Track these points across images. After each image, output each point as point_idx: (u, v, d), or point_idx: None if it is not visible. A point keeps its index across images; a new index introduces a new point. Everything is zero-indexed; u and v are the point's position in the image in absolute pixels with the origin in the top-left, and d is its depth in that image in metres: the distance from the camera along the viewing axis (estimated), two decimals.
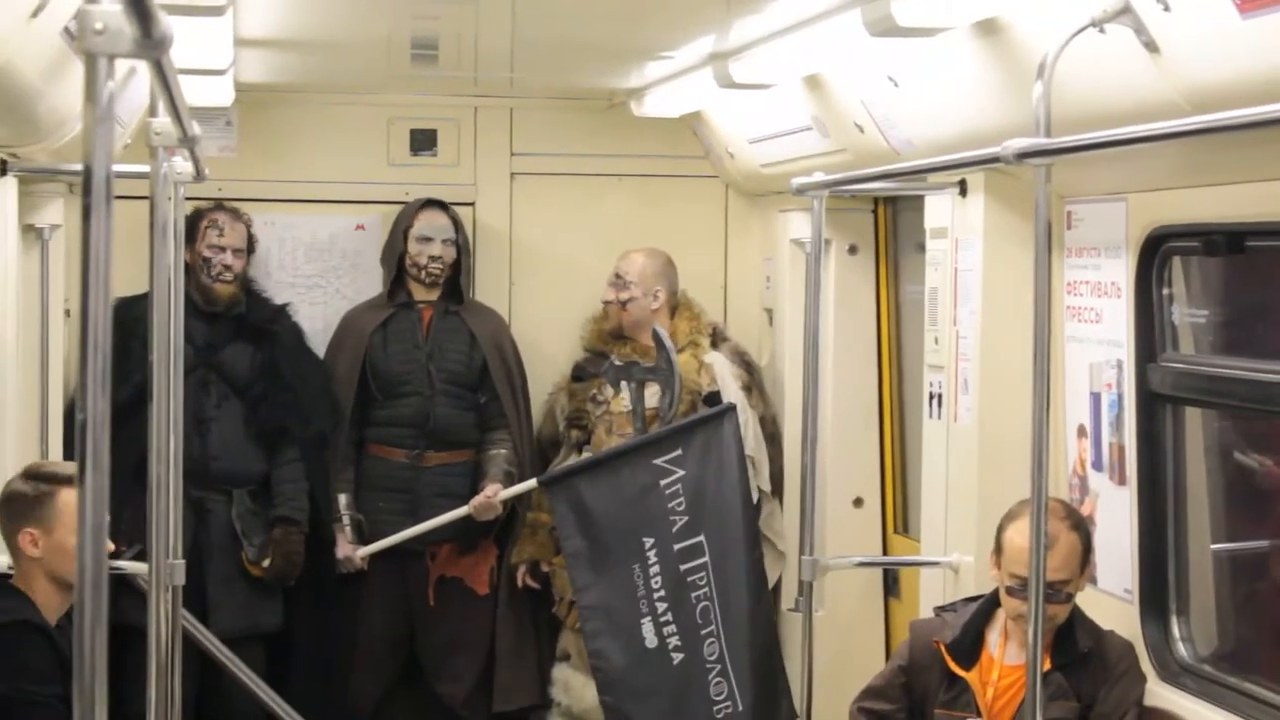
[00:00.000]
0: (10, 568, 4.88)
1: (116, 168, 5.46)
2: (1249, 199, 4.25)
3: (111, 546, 4.73)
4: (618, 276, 7.19)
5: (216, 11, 4.37)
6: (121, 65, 4.63)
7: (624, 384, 6.94)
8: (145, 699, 4.47)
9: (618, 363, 6.98)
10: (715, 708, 6.55)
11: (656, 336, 6.89)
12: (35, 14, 3.71)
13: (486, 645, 7.40)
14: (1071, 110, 3.99)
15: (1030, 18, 4.21)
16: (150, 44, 2.02)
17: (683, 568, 6.56)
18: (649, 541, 6.58)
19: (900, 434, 6.99)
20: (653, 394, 6.92)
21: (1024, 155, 3.71)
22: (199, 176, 4.94)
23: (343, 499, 7.22)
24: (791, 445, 6.95)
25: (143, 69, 5.40)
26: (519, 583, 7.28)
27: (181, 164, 4.82)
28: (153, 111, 4.14)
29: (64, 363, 6.64)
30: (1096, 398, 5.14)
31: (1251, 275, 4.82)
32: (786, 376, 7.10)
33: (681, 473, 6.55)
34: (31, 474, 4.88)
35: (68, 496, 4.74)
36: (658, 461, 6.61)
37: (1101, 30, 3.77)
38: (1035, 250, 3.81)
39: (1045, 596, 4.42)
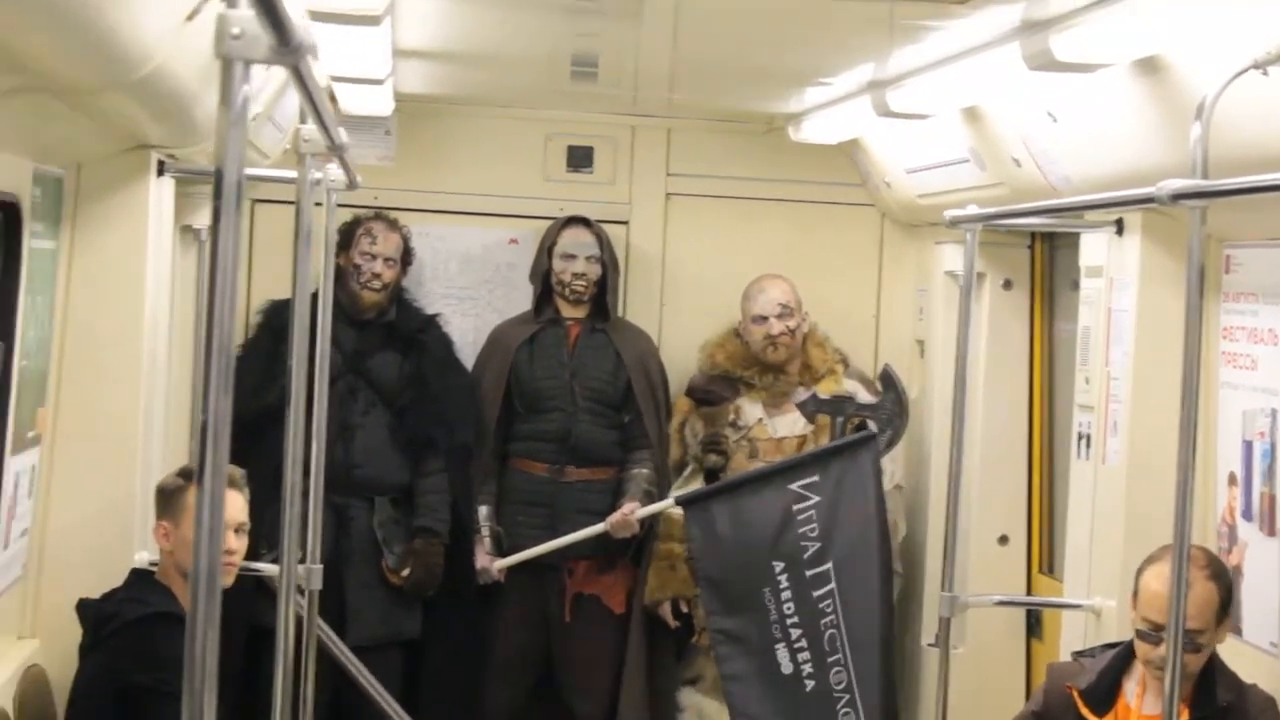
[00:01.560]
0: (153, 563, 4.97)
1: (264, 172, 5.57)
2: None
3: (233, 545, 4.84)
4: (783, 306, 7.12)
5: (373, 21, 4.40)
6: (279, 70, 4.69)
7: (835, 420, 6.89)
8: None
9: (821, 396, 6.94)
10: None
11: (887, 375, 6.87)
12: (191, 17, 3.76)
13: (620, 665, 7.39)
14: (1230, 152, 3.93)
15: (1191, 57, 4.16)
16: (287, 50, 2.03)
17: (814, 594, 6.53)
18: (779, 565, 6.56)
19: (1049, 472, 6.90)
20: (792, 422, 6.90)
21: (1179, 196, 3.65)
22: (351, 185, 4.98)
23: (483, 511, 7.25)
24: (938, 479, 6.87)
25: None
26: (668, 620, 7.25)
27: (335, 171, 4.85)
28: (303, 119, 4.17)
29: None
30: (1249, 446, 5.05)
31: None
32: (936, 409, 7.05)
33: (817, 499, 6.52)
34: (179, 471, 5.00)
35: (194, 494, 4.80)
36: (793, 486, 6.58)
37: (1264, 72, 3.71)
38: (1187, 293, 3.75)
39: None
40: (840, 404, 6.94)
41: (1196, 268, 3.73)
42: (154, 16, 3.66)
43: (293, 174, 4.22)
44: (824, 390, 7.01)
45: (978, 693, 6.63)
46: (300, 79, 2.59)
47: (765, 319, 7.12)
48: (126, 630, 4.78)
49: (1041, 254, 6.88)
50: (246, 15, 1.98)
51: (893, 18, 4.73)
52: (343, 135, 4.00)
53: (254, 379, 6.81)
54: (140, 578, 5.01)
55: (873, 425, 6.85)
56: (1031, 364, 6.94)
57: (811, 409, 6.96)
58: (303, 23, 4.21)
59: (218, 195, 2.02)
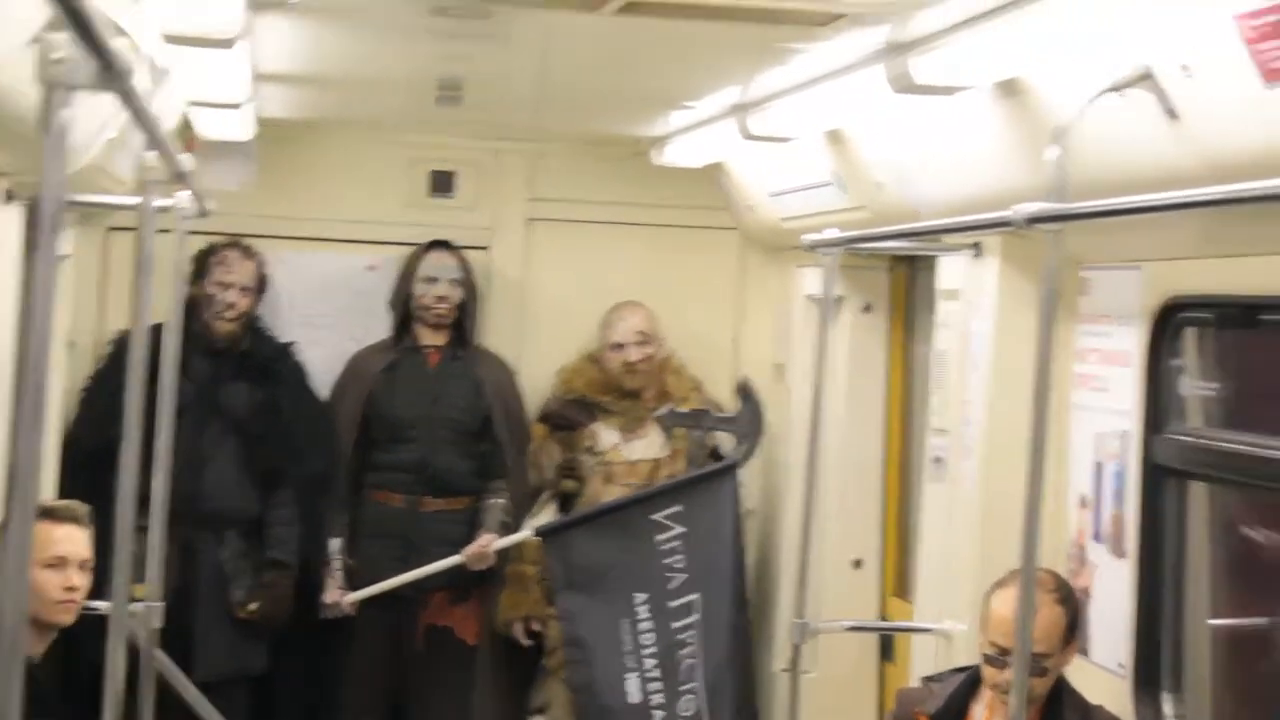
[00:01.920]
0: None
1: (104, 199, 5.39)
2: (1266, 272, 4.21)
3: (76, 583, 4.70)
4: (641, 334, 7.15)
5: (226, 44, 4.33)
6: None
7: (691, 434, 6.89)
8: None
9: (679, 410, 6.94)
10: None
11: (745, 388, 6.89)
12: (35, 41, 3.68)
13: (471, 696, 7.34)
14: (1088, 175, 3.97)
15: (1051, 80, 4.21)
16: (111, 76, 1.96)
17: (674, 625, 6.53)
18: (640, 597, 6.56)
19: (903, 496, 6.94)
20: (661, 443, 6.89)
21: (1035, 220, 3.67)
22: (202, 212, 4.88)
23: (335, 543, 7.19)
24: (793, 503, 6.90)
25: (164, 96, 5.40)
26: (521, 639, 7.22)
27: (187, 198, 4.75)
28: (149, 145, 4.11)
29: (63, 394, 6.61)
30: (1099, 467, 5.10)
31: (1264, 350, 4.78)
32: (794, 433, 7.07)
33: (681, 529, 6.53)
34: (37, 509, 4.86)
35: (40, 529, 4.69)
36: (656, 517, 6.60)
37: (1121, 94, 3.75)
38: (1040, 315, 3.77)
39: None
40: (698, 416, 6.98)
41: (1051, 291, 3.75)
42: None
43: (136, 200, 4.12)
44: None
45: (831, 716, 6.63)
46: (132, 105, 2.52)
47: (622, 346, 7.15)
48: None
49: (902, 277, 6.93)
50: (70, 39, 1.92)
51: (760, 40, 4.74)
52: (187, 163, 3.92)
53: (102, 410, 6.66)
54: None
55: (728, 438, 6.87)
56: (889, 386, 7.00)
57: (670, 422, 6.99)
58: (151, 48, 4.13)
59: (32, 226, 1.96)
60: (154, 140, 3.41)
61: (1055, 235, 3.73)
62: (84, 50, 1.94)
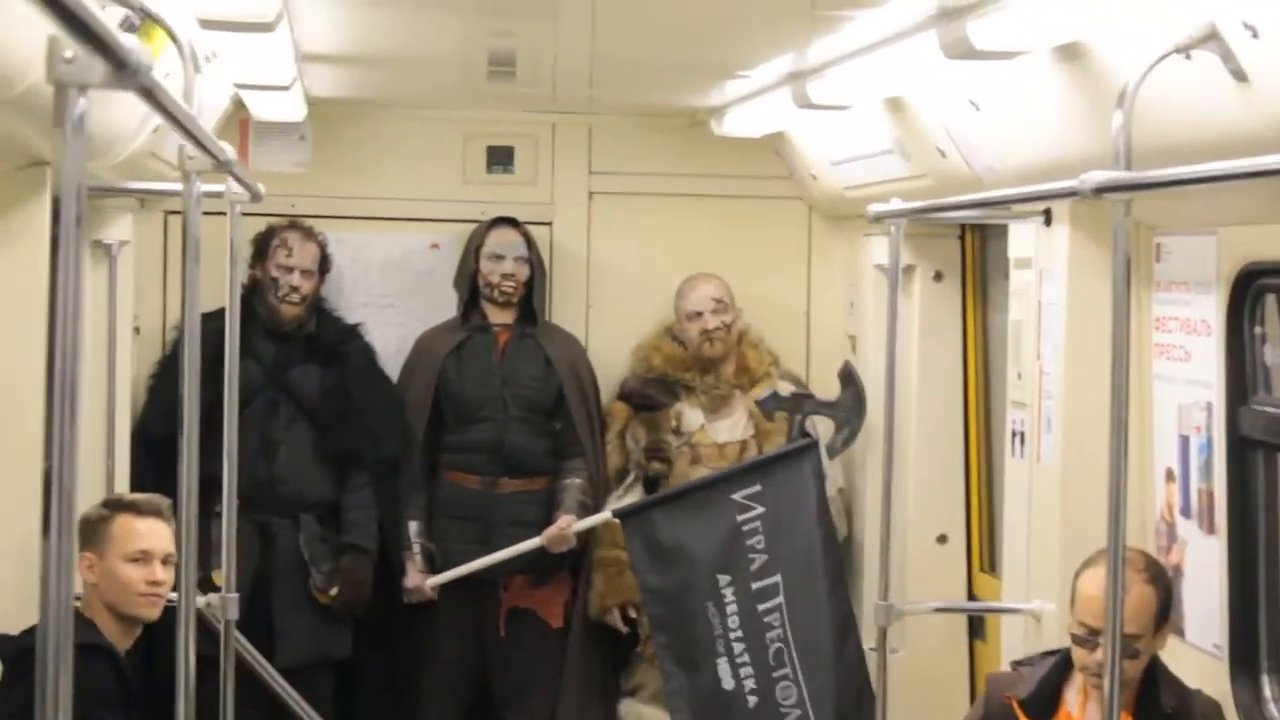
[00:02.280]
0: (77, 596, 4.80)
1: (155, 186, 5.37)
2: None
3: (160, 577, 4.69)
4: (717, 301, 7.01)
5: (265, 28, 4.24)
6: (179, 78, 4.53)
7: (794, 417, 6.75)
8: None
9: (781, 394, 6.80)
10: None
11: (848, 372, 6.75)
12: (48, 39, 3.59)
13: (558, 679, 7.24)
14: (1156, 140, 3.80)
15: (1113, 43, 4.03)
16: (125, 74, 1.87)
17: (760, 607, 6.42)
18: (724, 579, 6.44)
19: (988, 468, 6.77)
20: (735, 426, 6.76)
21: (1102, 190, 3.51)
22: (254, 197, 4.81)
23: (413, 526, 7.09)
24: (873, 479, 6.75)
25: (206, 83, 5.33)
26: (619, 626, 7.11)
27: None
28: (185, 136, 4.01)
29: (131, 381, 6.59)
30: (1185, 440, 4.93)
31: None
32: (870, 406, 6.90)
33: (761, 509, 6.41)
34: (103, 501, 4.87)
35: (124, 522, 4.75)
36: (736, 497, 6.47)
37: (1187, 57, 3.57)
38: (1113, 286, 3.62)
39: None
40: (800, 401, 6.82)
41: (1123, 262, 3.61)
42: (27, 31, 3.49)
43: (179, 187, 4.04)
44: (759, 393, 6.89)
45: (922, 693, 6.50)
46: (157, 102, 2.42)
47: (700, 314, 7.02)
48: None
49: (973, 244, 6.75)
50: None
51: (812, 8, 4.60)
52: (228, 151, 3.83)
53: (171, 397, 6.61)
54: None
55: (830, 423, 6.73)
56: (966, 357, 6.82)
57: (772, 406, 6.83)
58: (190, 32, 4.05)
59: (56, 221, 1.88)
60: (188, 134, 3.30)
61: (1123, 205, 3.58)
62: (90, 51, 1.85)
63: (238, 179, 4.43)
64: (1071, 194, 3.67)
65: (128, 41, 1.88)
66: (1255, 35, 3.37)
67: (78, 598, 4.78)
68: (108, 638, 4.67)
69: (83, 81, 1.89)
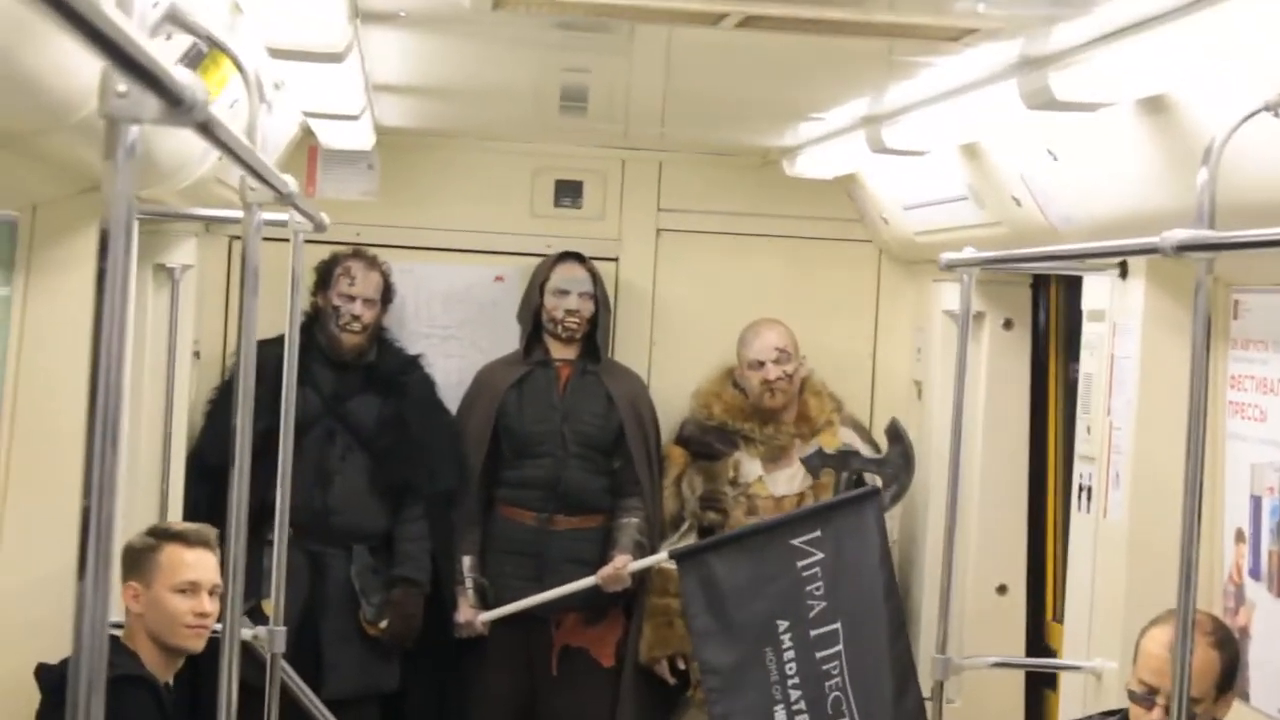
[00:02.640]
0: (118, 624, 4.76)
1: (213, 213, 5.36)
2: None
3: (207, 609, 4.65)
4: (780, 351, 6.93)
5: (334, 59, 4.21)
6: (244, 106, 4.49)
7: (840, 475, 6.67)
8: None
9: (826, 451, 6.71)
10: None
11: (895, 429, 6.67)
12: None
13: (610, 718, 7.17)
14: (1239, 197, 3.72)
15: (1199, 97, 3.95)
16: (180, 111, 1.82)
17: (818, 655, 6.33)
18: (783, 625, 6.36)
19: (1065, 518, 6.66)
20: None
21: (1184, 248, 3.43)
22: (318, 227, 4.78)
23: (467, 561, 7.04)
24: (934, 527, 6.67)
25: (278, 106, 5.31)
26: (667, 677, 7.05)
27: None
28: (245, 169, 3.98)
29: (189, 406, 6.57)
30: (1257, 501, 4.84)
31: None
32: (933, 453, 6.83)
33: (820, 555, 6.32)
34: (149, 529, 4.83)
35: (172, 552, 4.70)
36: (795, 542, 6.39)
37: (1276, 114, 3.50)
38: (1192, 348, 3.54)
39: (1165, 710, 4.20)
40: (845, 459, 6.71)
41: (1203, 320, 3.52)
42: (87, 58, 3.45)
43: (240, 215, 4.01)
44: (823, 443, 6.80)
45: None
46: (216, 139, 2.38)
47: (762, 364, 6.94)
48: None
49: (1057, 294, 6.64)
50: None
51: (889, 54, 4.55)
52: (291, 184, 3.80)
53: (228, 423, 6.63)
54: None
55: (878, 480, 6.65)
56: (1047, 406, 6.72)
57: (817, 464, 6.72)
58: (258, 61, 4.03)
59: (103, 257, 1.83)
60: (248, 169, 3.27)
61: (1205, 263, 3.50)
62: (142, 89, 1.80)
63: (300, 210, 4.40)
64: (1152, 250, 3.59)
65: (183, 77, 1.83)
66: None
67: (119, 626, 4.74)
68: (150, 668, 4.63)
69: (135, 117, 1.85)
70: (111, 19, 1.55)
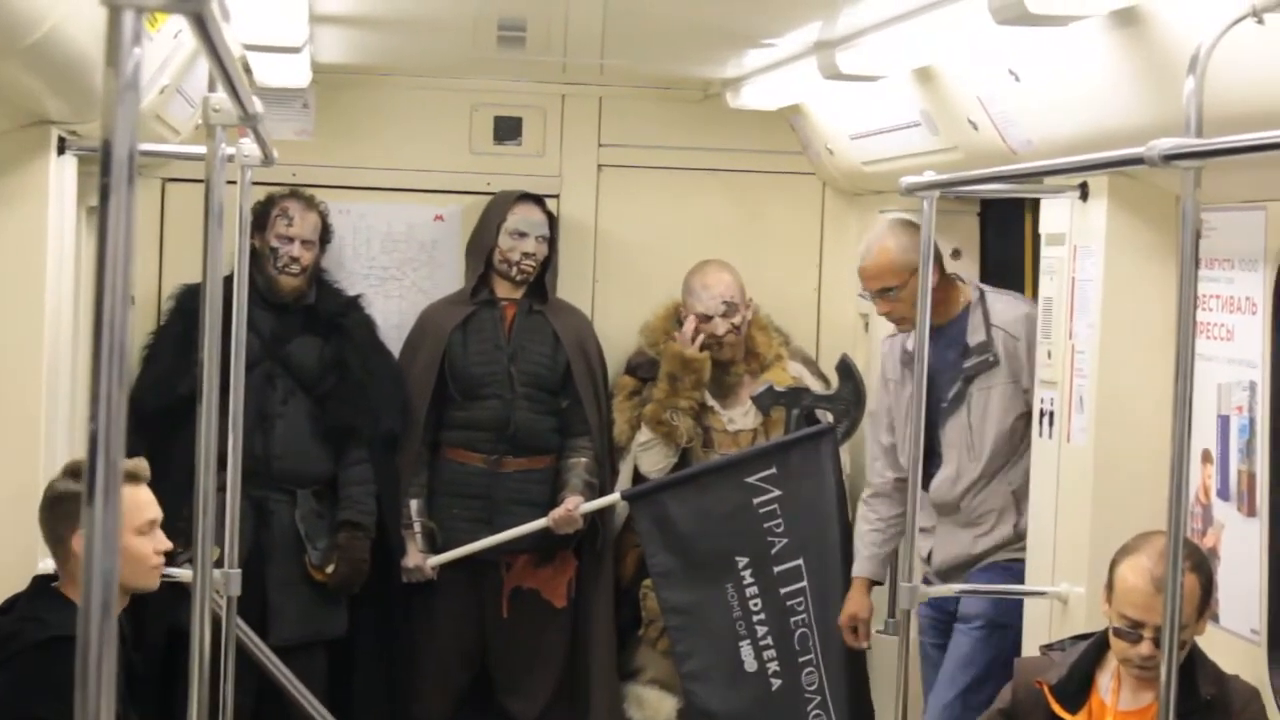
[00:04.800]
0: (54, 573, 4.60)
1: (170, 147, 5.24)
2: None
3: (168, 546, 4.52)
4: (728, 303, 6.81)
5: None
6: (188, 37, 4.36)
7: (790, 412, 6.58)
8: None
9: (777, 389, 6.62)
10: None
11: (845, 365, 6.59)
12: None
13: (562, 661, 7.11)
14: (1215, 110, 3.63)
15: (1175, 7, 3.86)
16: None
17: (782, 590, 6.31)
18: (743, 561, 6.33)
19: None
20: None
21: (1172, 157, 3.35)
22: (267, 160, 4.65)
23: (414, 505, 6.94)
24: None
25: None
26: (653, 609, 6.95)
27: (249, 146, 4.53)
28: (211, 86, 3.85)
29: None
30: (1225, 421, 4.78)
31: None
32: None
33: (777, 492, 6.28)
34: (67, 469, 4.63)
35: (127, 494, 4.51)
36: (750, 480, 6.35)
37: (1260, 21, 3.42)
38: (1180, 263, 3.48)
39: (1154, 642, 4.14)
40: (796, 396, 6.64)
41: (1191, 235, 3.45)
42: None
43: (202, 149, 3.88)
44: (773, 378, 6.72)
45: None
46: (205, 33, 2.25)
47: (709, 319, 6.82)
48: (27, 656, 4.39)
49: (1031, 221, 6.53)
50: None
51: None
52: (257, 104, 3.67)
53: (166, 368, 6.57)
54: (42, 590, 4.62)
55: (829, 416, 6.58)
56: None
57: (767, 403, 6.64)
58: None
59: (105, 172, 1.70)
60: (226, 77, 3.12)
61: (1193, 174, 3.42)
62: None
63: (259, 137, 4.27)
64: (1136, 162, 3.51)
65: None
66: None
67: (53, 578, 4.57)
68: None
69: (140, 4, 1.72)
70: None
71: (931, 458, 5.80)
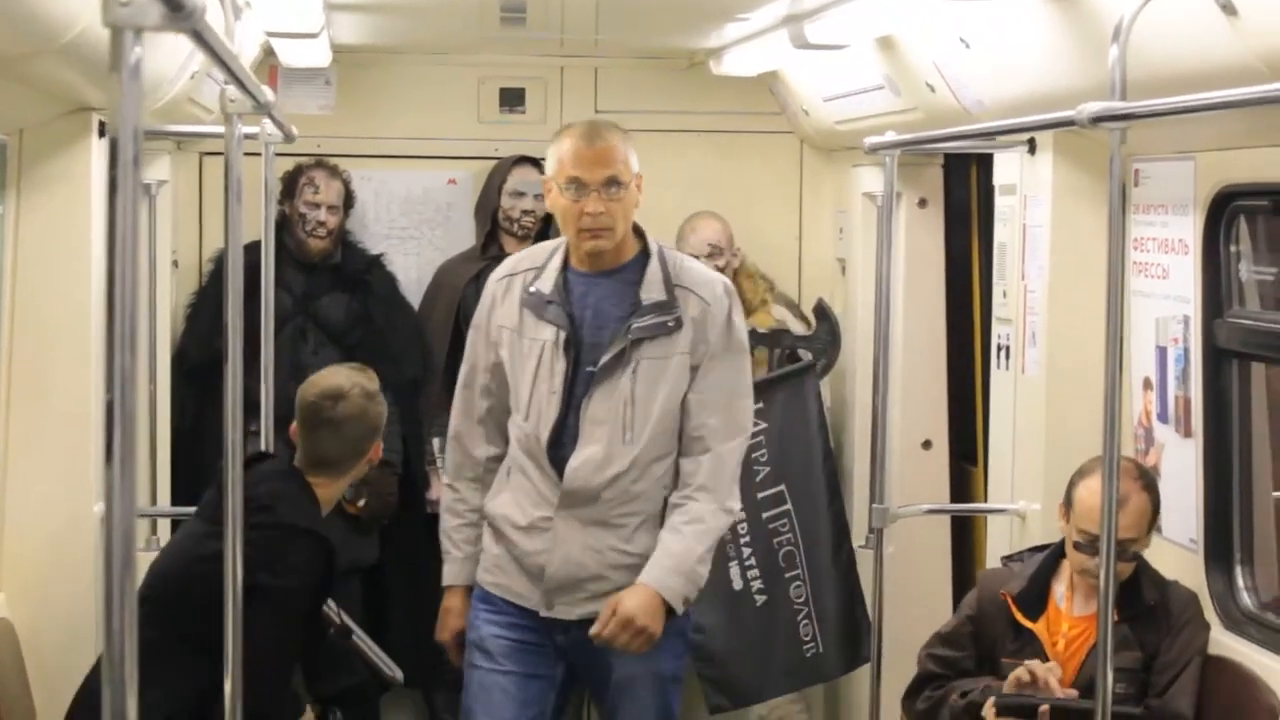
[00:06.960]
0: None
1: (197, 129, 5.29)
2: None
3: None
4: (712, 245, 6.84)
5: None
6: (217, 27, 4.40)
7: (773, 352, 6.64)
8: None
9: (759, 330, 6.67)
10: (804, 647, 6.38)
11: (821, 308, 6.63)
12: None
13: None
14: (1143, 73, 3.69)
15: None
16: (180, 16, 1.76)
17: (764, 515, 6.35)
18: None
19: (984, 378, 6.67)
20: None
21: (1098, 119, 3.41)
22: (287, 138, 4.70)
23: (436, 443, 6.98)
24: (863, 391, 6.67)
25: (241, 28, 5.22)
26: None
27: (271, 125, 4.59)
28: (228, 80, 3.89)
29: (170, 312, 6.56)
30: (1163, 351, 4.84)
31: None
32: (859, 325, 6.81)
33: (764, 425, 6.30)
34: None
35: None
36: None
37: None
38: (1109, 214, 3.53)
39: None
40: (778, 337, 6.71)
41: (1118, 187, 3.50)
42: None
43: (221, 130, 3.93)
44: (758, 322, 6.77)
45: (907, 588, 6.41)
46: (206, 44, 2.31)
47: (696, 258, 6.86)
48: (276, 533, 4.50)
49: (978, 174, 6.57)
50: None
51: None
52: (268, 93, 3.72)
53: (207, 325, 6.61)
54: (291, 475, 4.73)
55: (808, 355, 6.64)
56: (971, 277, 6.70)
57: (751, 343, 6.70)
58: None
59: (113, 166, 1.76)
60: (233, 77, 3.19)
61: (1119, 133, 3.47)
62: None
63: (275, 120, 4.32)
64: (1069, 124, 3.56)
65: None
66: None
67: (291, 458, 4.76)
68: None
69: (139, 24, 1.78)
70: None
71: (563, 432, 4.55)
